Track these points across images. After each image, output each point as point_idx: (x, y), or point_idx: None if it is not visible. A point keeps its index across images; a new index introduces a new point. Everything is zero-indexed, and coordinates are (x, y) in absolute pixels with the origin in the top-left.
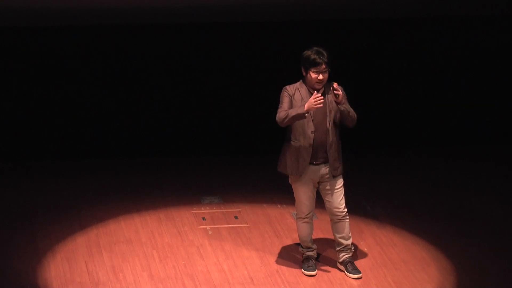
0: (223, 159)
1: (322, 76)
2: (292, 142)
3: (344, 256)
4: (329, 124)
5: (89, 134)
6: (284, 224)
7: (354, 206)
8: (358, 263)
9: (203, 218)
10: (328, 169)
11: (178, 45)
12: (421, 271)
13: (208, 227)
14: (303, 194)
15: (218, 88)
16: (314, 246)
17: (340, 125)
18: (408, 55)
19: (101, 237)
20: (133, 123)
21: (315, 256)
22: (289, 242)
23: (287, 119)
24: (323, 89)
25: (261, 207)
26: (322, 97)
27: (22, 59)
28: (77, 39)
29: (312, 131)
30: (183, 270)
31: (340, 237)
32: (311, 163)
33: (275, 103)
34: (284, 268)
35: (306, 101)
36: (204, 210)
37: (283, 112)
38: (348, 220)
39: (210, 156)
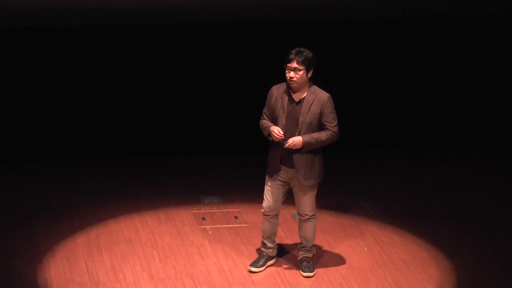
0: (223, 159)
1: (293, 74)
2: (270, 144)
3: (302, 254)
4: (297, 134)
5: (88, 134)
6: (284, 224)
7: (354, 206)
8: (358, 263)
9: (203, 218)
10: (297, 174)
11: (179, 45)
12: (421, 271)
13: (208, 227)
14: (267, 188)
15: (218, 88)
16: (270, 245)
17: None
18: (408, 55)
19: (101, 237)
20: (133, 123)
21: (271, 255)
22: (289, 242)
23: (262, 132)
24: (303, 95)
25: (261, 207)
26: (281, 137)
27: (22, 59)
28: (77, 39)
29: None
30: (183, 270)
31: (301, 236)
32: (281, 163)
33: None
34: (284, 268)
35: (285, 110)
36: (204, 210)
37: (262, 121)
38: (312, 222)
39: (210, 156)
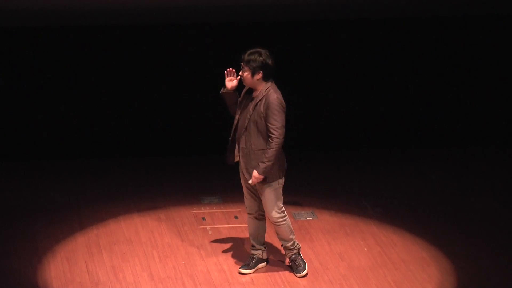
0: (223, 159)
1: (241, 72)
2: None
3: (287, 254)
4: (244, 130)
5: (89, 134)
6: None
7: (354, 206)
8: (358, 263)
9: (203, 218)
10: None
11: (178, 44)
12: (421, 271)
13: (208, 227)
14: (243, 185)
15: (218, 88)
16: (259, 247)
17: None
18: (408, 55)
19: (101, 237)
20: (133, 123)
21: (261, 257)
22: None
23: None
24: (257, 93)
25: None
26: (231, 71)
27: (22, 59)
28: (77, 39)
29: (234, 130)
30: (183, 270)
31: (280, 239)
32: (232, 161)
33: None
34: (284, 268)
35: (241, 105)
36: (204, 210)
37: None
38: (284, 225)
39: (210, 156)
